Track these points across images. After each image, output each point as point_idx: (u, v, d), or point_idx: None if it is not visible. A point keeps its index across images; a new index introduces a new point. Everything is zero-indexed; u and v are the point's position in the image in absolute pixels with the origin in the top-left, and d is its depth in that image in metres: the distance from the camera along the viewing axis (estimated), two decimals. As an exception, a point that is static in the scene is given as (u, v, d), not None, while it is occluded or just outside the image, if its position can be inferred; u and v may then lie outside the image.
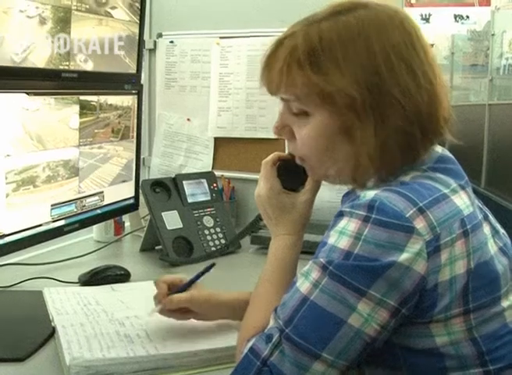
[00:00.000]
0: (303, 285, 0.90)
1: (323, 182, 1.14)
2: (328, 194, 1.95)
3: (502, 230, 1.03)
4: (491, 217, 1.02)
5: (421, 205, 0.88)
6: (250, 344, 0.93)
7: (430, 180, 0.94)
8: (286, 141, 1.09)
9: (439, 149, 1.01)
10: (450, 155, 1.02)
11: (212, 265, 1.29)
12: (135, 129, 1.82)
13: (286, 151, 1.19)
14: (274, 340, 0.90)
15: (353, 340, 0.86)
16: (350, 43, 0.94)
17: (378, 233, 0.86)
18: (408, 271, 0.85)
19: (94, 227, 2.02)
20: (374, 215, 0.87)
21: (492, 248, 0.95)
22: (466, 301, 0.88)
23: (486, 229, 0.96)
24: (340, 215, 0.92)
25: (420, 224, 0.86)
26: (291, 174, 1.15)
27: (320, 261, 0.89)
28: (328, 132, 0.98)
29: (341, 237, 0.89)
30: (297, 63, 0.96)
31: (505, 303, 0.92)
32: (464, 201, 0.94)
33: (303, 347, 0.87)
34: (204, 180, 2.02)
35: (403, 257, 0.85)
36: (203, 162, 2.32)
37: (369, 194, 0.90)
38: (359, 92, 0.93)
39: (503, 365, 0.90)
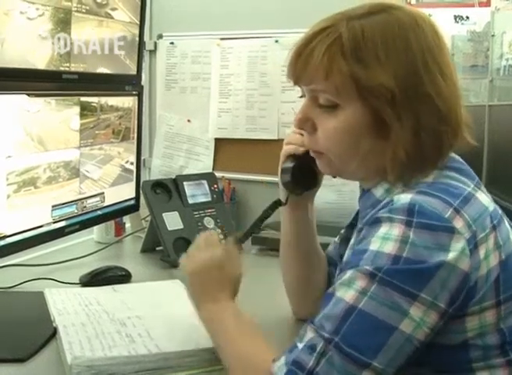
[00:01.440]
0: (346, 294, 0.88)
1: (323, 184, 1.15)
2: (330, 196, 1.95)
3: None
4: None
5: (455, 205, 0.90)
6: (283, 359, 0.90)
7: (451, 179, 0.96)
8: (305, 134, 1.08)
9: None
10: (458, 156, 1.04)
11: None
12: (135, 130, 1.82)
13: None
14: (319, 349, 0.87)
15: (403, 346, 0.85)
16: (390, 41, 0.96)
17: (424, 235, 0.86)
18: (455, 269, 0.86)
19: (95, 228, 2.02)
20: (415, 218, 0.87)
21: None
22: (497, 293, 0.90)
23: (507, 223, 0.99)
24: (377, 222, 0.91)
25: (459, 224, 0.88)
26: (305, 173, 1.16)
27: (365, 268, 0.88)
28: (358, 125, 0.98)
29: (385, 242, 0.88)
30: (341, 53, 0.97)
31: None
32: (485, 198, 0.97)
33: (352, 356, 0.85)
34: (204, 181, 2.02)
35: (450, 256, 0.85)
36: (203, 163, 2.32)
37: (404, 198, 0.91)
38: (399, 88, 0.95)
39: None
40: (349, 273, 0.90)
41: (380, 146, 0.98)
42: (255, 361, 0.98)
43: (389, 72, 0.95)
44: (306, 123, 1.04)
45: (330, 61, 0.97)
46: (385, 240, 0.88)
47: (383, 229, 0.90)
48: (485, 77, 5.00)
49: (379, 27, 0.97)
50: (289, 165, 1.21)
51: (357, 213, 1.22)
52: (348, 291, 0.88)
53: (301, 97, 1.07)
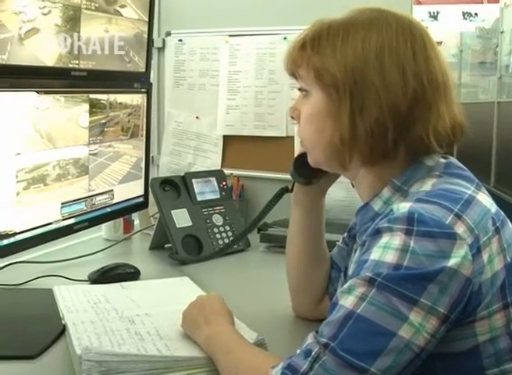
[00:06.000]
0: (347, 301, 0.88)
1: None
2: (340, 193, 1.95)
3: None
4: None
5: (456, 210, 0.89)
6: (281, 365, 0.89)
7: (451, 185, 0.96)
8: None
9: (442, 159, 1.03)
10: (458, 162, 1.04)
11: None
12: (144, 127, 1.82)
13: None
14: (313, 353, 0.87)
15: (402, 352, 0.84)
16: (351, 32, 1.01)
17: (425, 243, 0.86)
18: (456, 274, 0.85)
19: (104, 225, 2.02)
20: (415, 227, 0.87)
21: None
22: (504, 295, 0.90)
23: (510, 224, 0.99)
24: (378, 232, 0.91)
25: (460, 229, 0.88)
26: (306, 165, 1.17)
27: (366, 275, 0.88)
28: (319, 111, 1.04)
29: (386, 251, 0.88)
30: (306, 43, 1.04)
31: None
32: (486, 200, 0.96)
33: (350, 361, 0.84)
34: (213, 179, 2.02)
35: (452, 262, 0.85)
36: (212, 160, 2.32)
37: (403, 207, 0.91)
38: (342, 74, 0.99)
39: None
40: (350, 282, 0.90)
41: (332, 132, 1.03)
42: (253, 369, 0.97)
43: (339, 58, 1.00)
44: (294, 112, 1.11)
45: (299, 50, 1.05)
46: (386, 249, 0.88)
47: (384, 239, 0.90)
48: (493, 74, 4.99)
49: (346, 22, 1.03)
50: (296, 156, 1.26)
51: (350, 229, 1.25)
52: (348, 297, 0.88)
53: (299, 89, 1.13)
